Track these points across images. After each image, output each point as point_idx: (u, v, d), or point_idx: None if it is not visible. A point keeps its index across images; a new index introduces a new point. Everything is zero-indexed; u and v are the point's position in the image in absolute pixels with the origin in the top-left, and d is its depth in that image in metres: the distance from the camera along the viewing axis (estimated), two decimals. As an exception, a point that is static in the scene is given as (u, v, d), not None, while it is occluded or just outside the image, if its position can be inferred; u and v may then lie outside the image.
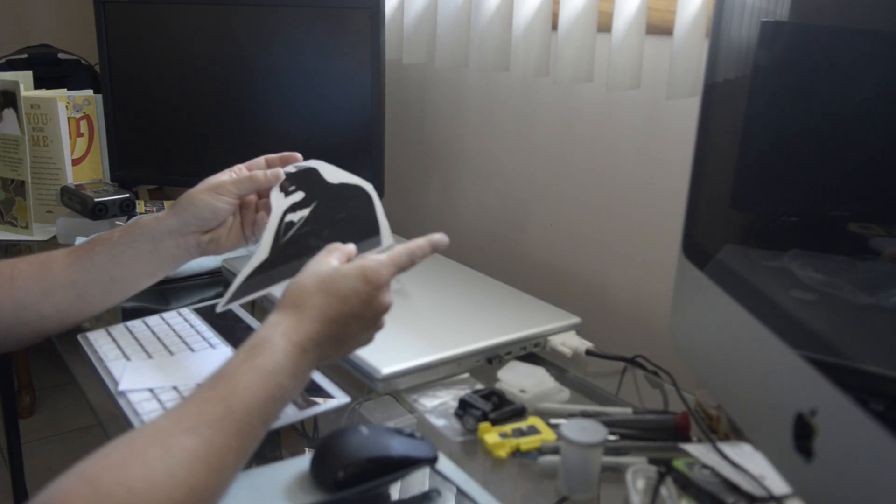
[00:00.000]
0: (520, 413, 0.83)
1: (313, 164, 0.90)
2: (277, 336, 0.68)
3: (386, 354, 0.87)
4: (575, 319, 0.99)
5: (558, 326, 0.97)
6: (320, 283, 0.72)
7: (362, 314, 0.72)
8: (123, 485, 0.55)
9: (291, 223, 0.86)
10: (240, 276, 0.83)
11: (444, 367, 0.88)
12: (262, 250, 0.84)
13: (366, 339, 0.76)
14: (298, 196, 0.87)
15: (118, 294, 0.91)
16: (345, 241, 0.80)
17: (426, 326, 0.96)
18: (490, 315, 0.99)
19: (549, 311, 1.01)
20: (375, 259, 0.74)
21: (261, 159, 0.93)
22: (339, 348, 0.73)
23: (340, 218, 0.87)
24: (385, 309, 0.75)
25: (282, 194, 0.87)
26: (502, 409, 0.82)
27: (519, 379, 0.86)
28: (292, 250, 0.85)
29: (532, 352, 0.96)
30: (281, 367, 0.67)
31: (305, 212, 0.87)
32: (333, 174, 0.89)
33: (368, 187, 0.89)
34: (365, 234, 0.87)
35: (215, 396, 0.63)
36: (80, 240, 1.22)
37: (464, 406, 0.82)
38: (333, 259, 0.75)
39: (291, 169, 0.89)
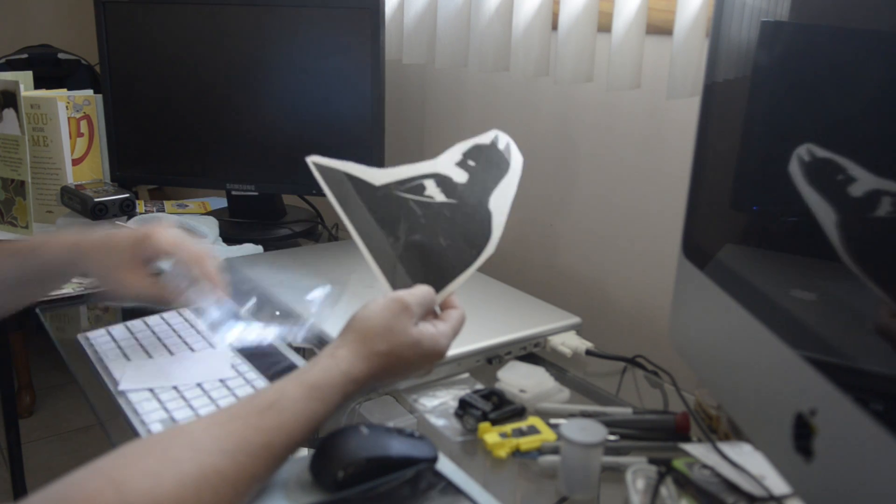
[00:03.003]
0: (520, 413, 0.83)
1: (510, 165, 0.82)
2: (338, 375, 0.67)
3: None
4: (575, 319, 0.99)
5: (558, 326, 0.97)
6: (386, 330, 0.71)
7: (410, 369, 0.73)
8: (152, 496, 0.54)
9: (422, 196, 0.79)
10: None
11: (444, 367, 0.88)
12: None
13: (401, 379, 0.76)
14: (463, 176, 0.81)
15: (20, 302, 0.93)
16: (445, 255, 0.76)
17: None
18: (490, 315, 0.99)
19: (549, 310, 1.01)
20: (440, 332, 0.73)
21: (208, 267, 0.86)
22: (378, 384, 0.73)
23: (460, 230, 0.79)
24: (435, 362, 0.74)
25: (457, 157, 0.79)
26: (502, 409, 0.82)
27: (519, 379, 0.86)
28: (394, 211, 0.78)
29: (532, 352, 0.96)
30: (330, 411, 0.67)
31: (443, 198, 0.80)
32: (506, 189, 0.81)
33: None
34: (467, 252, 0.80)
35: (262, 427, 0.62)
36: None
37: (464, 406, 0.82)
38: (411, 322, 0.72)
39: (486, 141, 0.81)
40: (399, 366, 0.71)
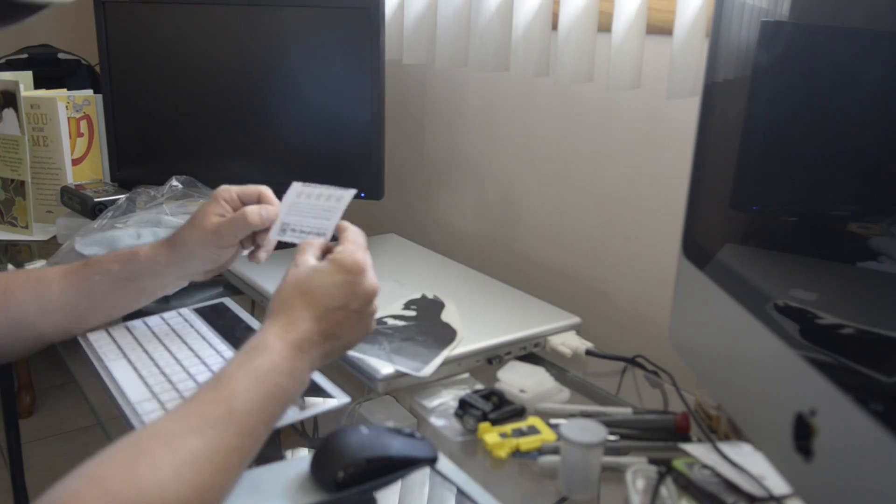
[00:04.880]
0: (520, 413, 0.83)
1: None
2: (272, 338, 0.69)
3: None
4: (575, 319, 0.99)
5: (558, 326, 0.97)
6: (299, 286, 0.73)
7: (348, 304, 0.74)
8: (132, 484, 0.56)
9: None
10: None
11: (445, 368, 0.88)
12: None
13: (363, 329, 0.77)
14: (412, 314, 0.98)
15: (118, 314, 0.95)
16: None
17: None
18: (490, 315, 0.99)
19: (549, 310, 1.01)
20: (345, 248, 0.76)
21: (252, 190, 0.88)
22: (338, 342, 0.74)
23: None
24: (372, 293, 0.76)
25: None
26: (502, 409, 0.82)
27: (519, 379, 0.86)
28: None
29: (532, 352, 0.96)
30: (277, 367, 0.68)
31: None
32: None
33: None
34: None
35: (217, 398, 0.64)
36: (78, 241, 1.22)
37: (464, 406, 0.82)
38: (309, 257, 0.77)
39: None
40: (330, 303, 0.72)
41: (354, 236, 0.78)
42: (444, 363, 0.88)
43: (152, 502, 0.56)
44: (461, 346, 0.90)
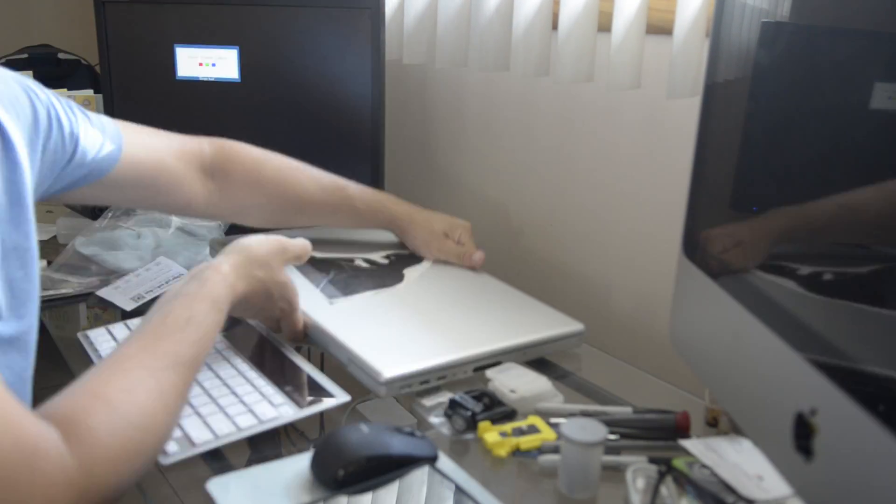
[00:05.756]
0: (510, 415, 0.82)
1: None
2: (226, 288, 0.81)
3: (389, 357, 0.86)
4: (578, 326, 0.97)
5: (562, 333, 0.96)
6: (266, 265, 0.88)
7: (271, 305, 0.90)
8: (136, 407, 0.63)
9: None
10: None
11: (448, 371, 0.87)
12: None
13: (268, 310, 0.91)
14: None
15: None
16: None
17: (429, 330, 0.94)
18: (489, 319, 0.97)
19: (553, 316, 0.99)
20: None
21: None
22: (245, 304, 0.86)
23: None
24: (288, 281, 0.90)
25: None
26: (493, 410, 0.81)
27: (510, 380, 0.85)
28: None
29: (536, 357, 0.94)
30: (224, 318, 0.79)
31: None
32: None
33: None
34: None
35: (188, 340, 0.72)
36: (78, 241, 1.22)
37: (454, 406, 0.81)
38: (282, 259, 0.93)
39: None
40: (263, 296, 0.88)
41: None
42: (449, 367, 0.87)
43: (151, 424, 0.64)
44: (455, 354, 0.88)
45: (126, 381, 0.65)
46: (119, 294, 1.10)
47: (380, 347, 0.89)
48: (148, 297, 1.09)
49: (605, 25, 1.12)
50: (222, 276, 0.81)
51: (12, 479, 0.53)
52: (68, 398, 0.61)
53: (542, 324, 0.97)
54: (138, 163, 0.95)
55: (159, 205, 1.05)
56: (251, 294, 0.85)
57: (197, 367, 0.73)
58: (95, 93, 1.48)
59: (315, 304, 0.99)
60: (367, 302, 1.01)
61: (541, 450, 0.76)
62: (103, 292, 1.12)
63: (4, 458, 0.53)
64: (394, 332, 0.93)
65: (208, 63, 1.37)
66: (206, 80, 1.37)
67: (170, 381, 0.67)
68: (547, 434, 0.78)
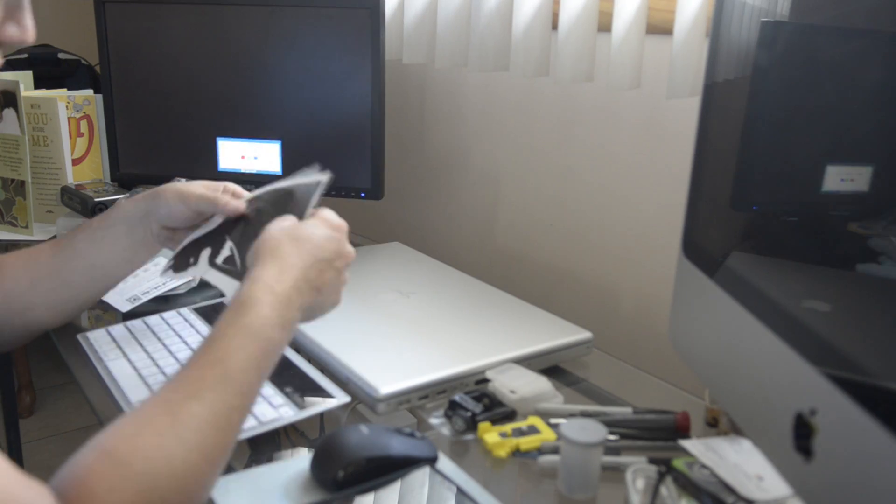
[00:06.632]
0: (510, 416, 0.82)
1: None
2: (260, 292, 0.69)
3: (387, 372, 0.85)
4: (586, 335, 0.96)
5: (568, 342, 0.94)
6: (290, 234, 0.75)
7: (334, 260, 0.76)
8: (139, 453, 0.58)
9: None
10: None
11: (446, 385, 0.86)
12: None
13: (336, 293, 0.78)
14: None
15: (99, 281, 0.91)
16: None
17: (429, 342, 0.92)
18: (496, 329, 0.96)
19: (558, 324, 0.98)
20: (326, 210, 0.79)
21: (236, 187, 0.91)
22: (318, 297, 0.75)
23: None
24: (351, 256, 0.78)
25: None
26: (493, 410, 0.81)
27: (510, 380, 0.85)
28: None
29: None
30: (268, 321, 0.68)
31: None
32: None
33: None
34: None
35: (212, 360, 0.65)
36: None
37: (453, 407, 0.81)
38: (290, 219, 0.78)
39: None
40: (319, 253, 0.74)
41: (329, 212, 0.80)
42: (448, 381, 0.85)
43: (160, 468, 0.58)
44: (453, 368, 0.87)
45: (133, 427, 0.59)
46: (115, 295, 1.10)
47: (378, 361, 0.87)
48: (144, 299, 1.08)
49: (605, 25, 1.12)
50: (259, 269, 0.71)
51: None
52: (78, 457, 0.58)
53: (548, 333, 0.95)
54: None
55: None
56: (306, 266, 0.73)
57: (232, 388, 0.64)
58: (95, 93, 1.48)
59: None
60: (368, 312, 1.00)
61: (541, 450, 0.76)
62: (101, 294, 1.11)
63: None
64: (394, 345, 0.92)
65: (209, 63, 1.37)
66: (206, 81, 1.37)
67: (190, 413, 0.61)
68: (547, 434, 0.78)
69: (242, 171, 1.38)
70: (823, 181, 0.54)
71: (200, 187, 0.89)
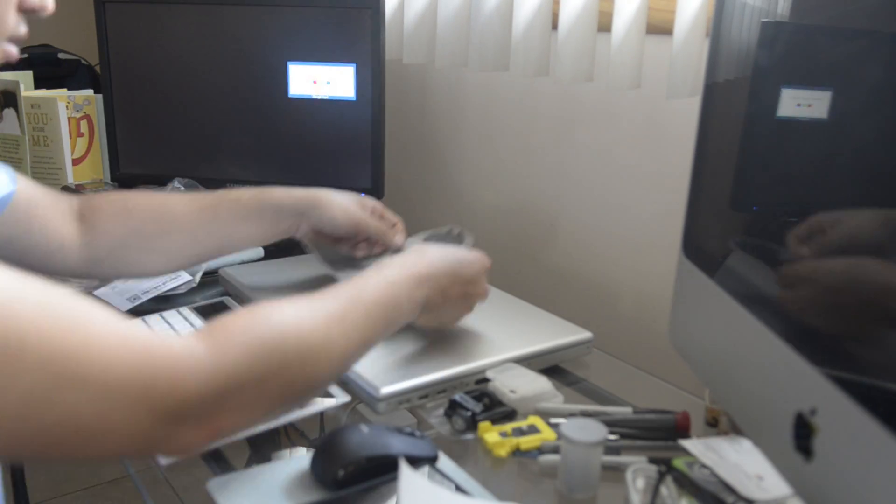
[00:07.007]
0: (510, 415, 0.82)
1: None
2: (398, 266, 0.77)
3: (387, 371, 0.84)
4: (586, 335, 0.96)
5: (568, 342, 0.94)
6: (446, 249, 0.85)
7: (468, 282, 0.85)
8: (276, 315, 0.63)
9: None
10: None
11: (447, 384, 0.86)
12: None
13: (457, 314, 0.89)
14: None
15: (225, 249, 1.00)
16: None
17: (429, 342, 0.92)
18: (496, 329, 0.95)
19: (558, 324, 0.98)
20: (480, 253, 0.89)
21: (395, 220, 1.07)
22: (441, 302, 0.82)
23: None
24: (483, 292, 0.88)
25: None
26: (493, 410, 0.81)
27: (510, 380, 0.85)
28: None
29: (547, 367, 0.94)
30: (400, 282, 0.75)
31: None
32: None
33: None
34: None
35: (349, 286, 0.71)
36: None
37: (454, 407, 0.81)
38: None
39: None
40: (460, 269, 0.84)
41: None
42: (447, 380, 0.86)
43: (293, 332, 0.62)
44: (454, 368, 0.87)
45: (277, 303, 0.64)
46: (116, 294, 1.10)
47: (378, 360, 0.86)
48: (144, 298, 1.08)
49: (605, 25, 1.12)
50: (398, 259, 0.80)
51: (141, 358, 0.52)
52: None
53: (549, 333, 0.95)
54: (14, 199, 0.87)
55: (32, 244, 0.89)
56: (443, 286, 0.83)
57: (362, 307, 0.69)
58: (95, 93, 1.48)
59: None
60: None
61: (541, 450, 0.76)
62: (100, 293, 1.11)
63: (131, 343, 0.53)
64: (394, 344, 0.91)
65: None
66: (206, 80, 1.37)
67: (324, 308, 0.66)
68: (547, 434, 0.78)
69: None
70: (824, 181, 0.54)
71: (361, 210, 1.03)
